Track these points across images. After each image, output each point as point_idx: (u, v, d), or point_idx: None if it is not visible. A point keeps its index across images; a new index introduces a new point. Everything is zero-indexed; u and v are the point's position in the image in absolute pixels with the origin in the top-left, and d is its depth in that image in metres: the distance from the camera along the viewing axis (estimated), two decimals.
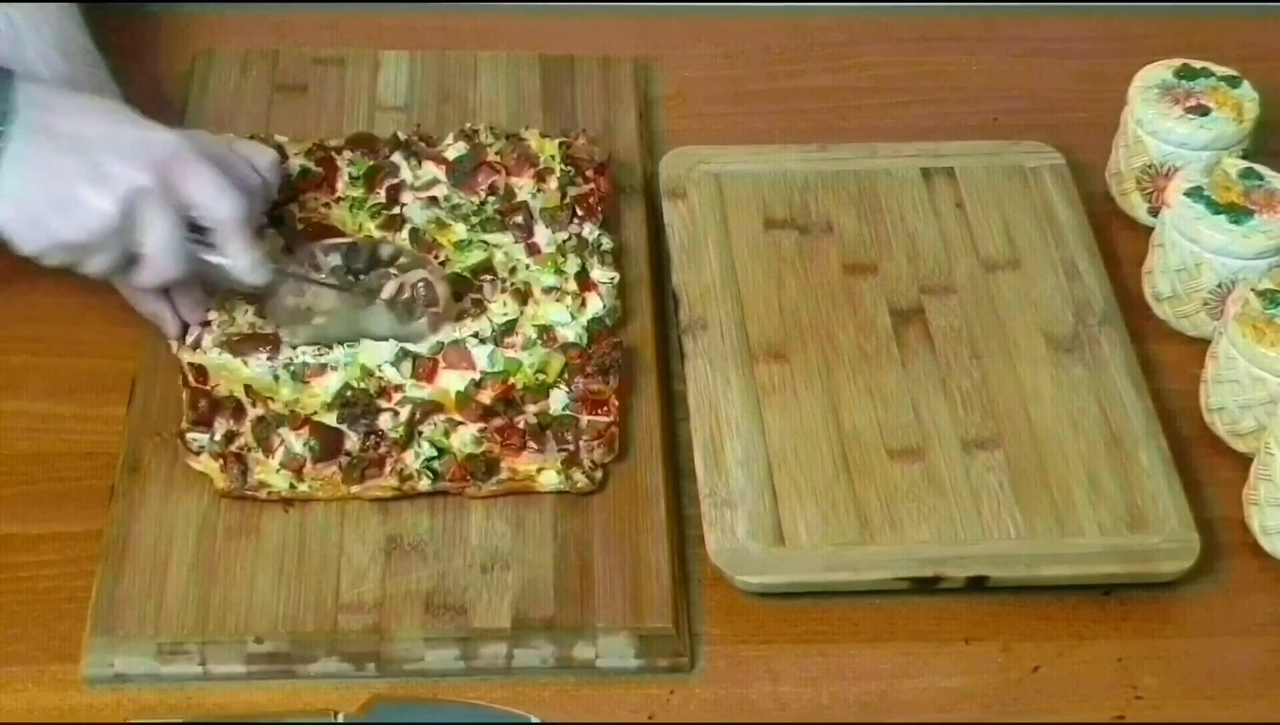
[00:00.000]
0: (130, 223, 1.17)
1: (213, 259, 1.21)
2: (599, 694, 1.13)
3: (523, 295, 1.29)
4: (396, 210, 1.34)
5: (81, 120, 1.18)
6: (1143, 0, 1.59)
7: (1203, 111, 1.38)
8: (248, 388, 1.23)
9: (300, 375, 1.23)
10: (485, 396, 1.23)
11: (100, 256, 1.18)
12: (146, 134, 1.18)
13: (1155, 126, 1.38)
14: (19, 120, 1.15)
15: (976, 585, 1.18)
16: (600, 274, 1.31)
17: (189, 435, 1.20)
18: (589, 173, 1.36)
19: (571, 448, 1.21)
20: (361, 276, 1.28)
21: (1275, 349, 1.23)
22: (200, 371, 1.23)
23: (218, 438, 1.20)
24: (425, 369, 1.24)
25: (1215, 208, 1.31)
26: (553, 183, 1.36)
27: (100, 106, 1.21)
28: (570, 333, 1.27)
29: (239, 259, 1.21)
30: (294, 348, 1.24)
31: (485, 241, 1.32)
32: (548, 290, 1.29)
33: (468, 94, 1.47)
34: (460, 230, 1.33)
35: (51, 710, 1.11)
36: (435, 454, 1.20)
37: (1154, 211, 1.39)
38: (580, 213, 1.34)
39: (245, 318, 1.26)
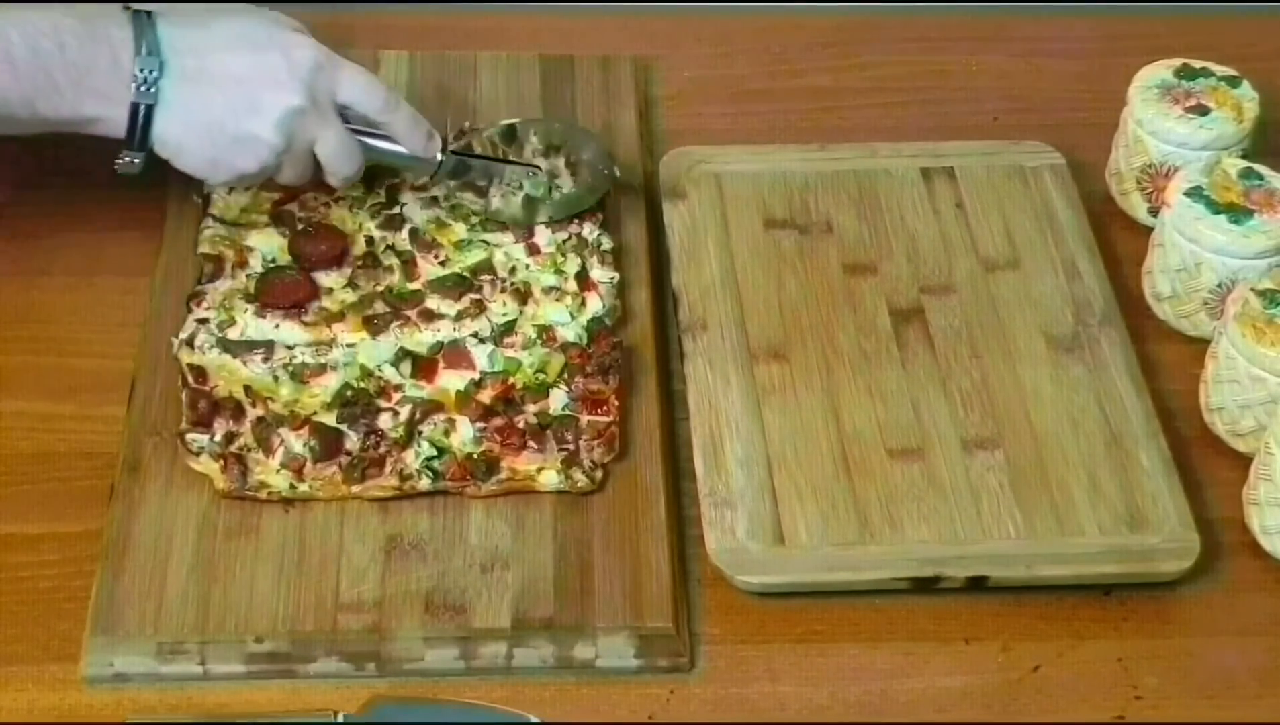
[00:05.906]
0: (298, 140, 1.24)
1: (386, 146, 1.28)
2: (599, 694, 1.13)
3: (523, 295, 1.29)
4: (396, 210, 1.34)
5: (226, 56, 1.22)
6: (1143, 0, 1.59)
7: (1203, 111, 1.38)
8: (247, 388, 1.23)
9: (300, 375, 1.23)
10: (485, 396, 1.23)
11: (286, 171, 1.25)
12: (288, 55, 1.23)
13: (1155, 126, 1.38)
14: (169, 70, 1.19)
15: (976, 585, 1.18)
16: (600, 274, 1.31)
17: (189, 436, 1.20)
18: None
19: (571, 447, 1.21)
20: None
21: (1275, 349, 1.23)
22: (200, 372, 1.23)
23: (218, 438, 1.20)
24: (425, 369, 1.24)
25: (1215, 208, 1.31)
26: None
27: (239, 34, 1.23)
28: (570, 333, 1.27)
29: (410, 137, 1.28)
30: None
31: (485, 241, 1.32)
32: (548, 290, 1.29)
33: (468, 94, 1.47)
34: (460, 230, 1.33)
35: (51, 710, 1.11)
36: (435, 454, 1.20)
37: (1154, 211, 1.39)
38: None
39: (245, 317, 1.26)
